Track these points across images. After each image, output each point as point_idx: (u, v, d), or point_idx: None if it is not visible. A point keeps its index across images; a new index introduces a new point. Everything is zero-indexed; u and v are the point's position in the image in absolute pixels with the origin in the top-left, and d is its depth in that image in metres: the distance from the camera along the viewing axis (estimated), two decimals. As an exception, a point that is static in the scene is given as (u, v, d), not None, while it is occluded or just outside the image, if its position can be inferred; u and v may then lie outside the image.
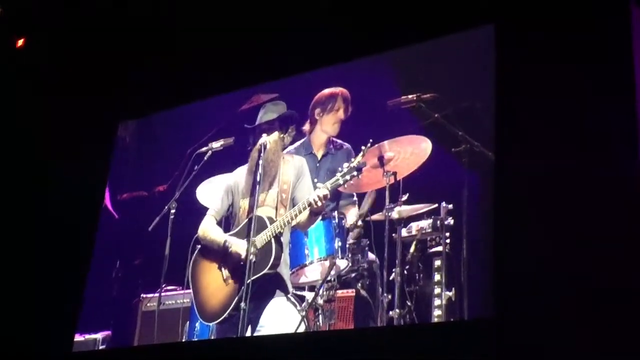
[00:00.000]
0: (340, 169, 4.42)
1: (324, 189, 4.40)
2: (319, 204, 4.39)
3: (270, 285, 4.51)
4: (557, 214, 3.58)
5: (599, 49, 3.67)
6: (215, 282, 4.63)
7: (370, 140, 4.48)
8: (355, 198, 5.06)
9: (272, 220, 4.53)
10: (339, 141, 5.09)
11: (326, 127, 5.09)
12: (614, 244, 3.37)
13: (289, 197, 4.66)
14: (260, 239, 4.50)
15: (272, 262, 4.47)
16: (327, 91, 5.10)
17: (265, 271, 4.46)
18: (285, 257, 4.57)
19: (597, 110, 3.58)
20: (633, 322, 3.21)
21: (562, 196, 3.60)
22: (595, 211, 3.46)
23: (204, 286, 4.69)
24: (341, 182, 4.40)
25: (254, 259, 4.43)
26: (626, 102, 3.47)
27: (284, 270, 4.55)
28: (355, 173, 4.38)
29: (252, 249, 4.44)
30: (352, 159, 4.43)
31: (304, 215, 4.49)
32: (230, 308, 4.49)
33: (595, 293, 3.35)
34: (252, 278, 4.39)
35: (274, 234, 4.49)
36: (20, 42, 6.13)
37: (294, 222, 4.53)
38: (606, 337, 3.27)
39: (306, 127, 5.12)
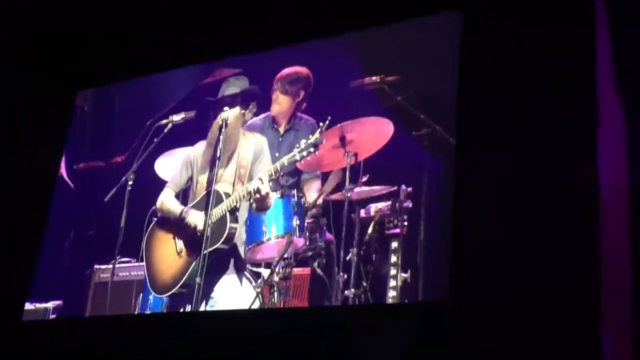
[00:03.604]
0: (297, 145, 4.44)
1: (257, 182, 4.42)
2: (257, 196, 4.41)
3: (224, 261, 4.52)
4: (515, 202, 3.62)
5: (563, 39, 3.71)
6: (168, 255, 4.64)
7: (329, 118, 4.48)
8: (319, 172, 5.05)
9: (228, 196, 4.55)
10: (305, 116, 5.08)
11: (288, 104, 5.08)
12: (570, 235, 3.41)
13: (247, 174, 4.66)
14: (215, 213, 4.51)
15: (226, 235, 4.48)
16: (290, 69, 5.10)
17: (218, 245, 4.48)
18: (241, 232, 4.57)
19: (560, 100, 3.62)
20: (585, 310, 3.27)
21: (521, 185, 3.63)
22: (554, 201, 3.50)
23: (158, 258, 4.69)
24: (298, 157, 4.43)
25: (209, 232, 4.43)
26: (589, 93, 3.52)
27: (240, 246, 4.56)
28: (312, 149, 4.40)
29: (209, 222, 4.45)
30: (310, 136, 4.45)
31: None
32: (182, 281, 4.49)
33: (550, 281, 3.40)
34: (207, 251, 4.40)
35: (229, 208, 4.52)
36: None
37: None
38: (559, 324, 3.32)
39: (271, 103, 5.11)
